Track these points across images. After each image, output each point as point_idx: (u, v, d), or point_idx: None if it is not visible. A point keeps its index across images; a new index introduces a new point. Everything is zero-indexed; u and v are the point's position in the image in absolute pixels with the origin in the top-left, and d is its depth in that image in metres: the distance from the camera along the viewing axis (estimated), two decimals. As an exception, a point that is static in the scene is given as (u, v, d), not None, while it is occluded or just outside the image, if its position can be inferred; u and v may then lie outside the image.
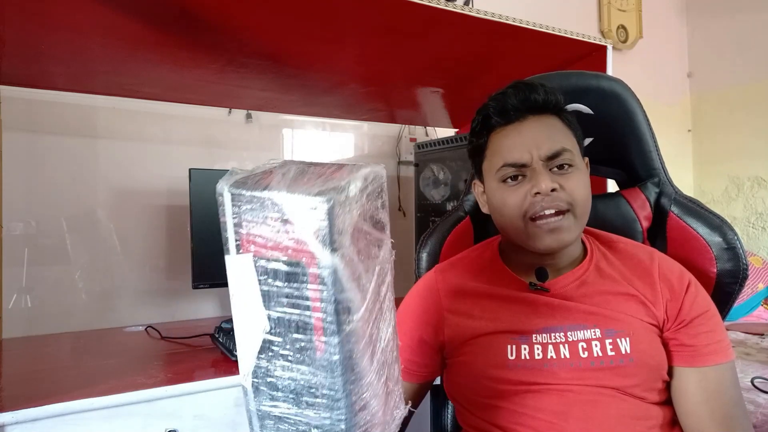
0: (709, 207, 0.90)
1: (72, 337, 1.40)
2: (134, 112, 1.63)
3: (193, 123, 1.72)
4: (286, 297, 0.47)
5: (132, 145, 1.63)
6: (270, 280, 0.48)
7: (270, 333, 0.49)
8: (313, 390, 0.48)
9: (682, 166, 2.95)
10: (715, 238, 0.86)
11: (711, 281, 0.86)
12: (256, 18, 1.13)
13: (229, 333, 1.21)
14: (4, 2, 0.98)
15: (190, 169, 1.42)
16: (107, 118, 1.60)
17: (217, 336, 1.24)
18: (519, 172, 0.77)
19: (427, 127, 2.16)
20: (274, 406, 0.52)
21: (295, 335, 0.48)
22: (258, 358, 0.51)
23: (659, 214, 0.94)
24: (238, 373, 1.06)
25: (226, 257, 0.50)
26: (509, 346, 0.75)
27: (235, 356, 1.08)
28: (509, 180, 0.78)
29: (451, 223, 1.01)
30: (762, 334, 1.79)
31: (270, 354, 0.50)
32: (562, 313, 0.76)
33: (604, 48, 1.46)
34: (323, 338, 0.46)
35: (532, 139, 0.76)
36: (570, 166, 0.76)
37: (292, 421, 0.51)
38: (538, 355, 0.74)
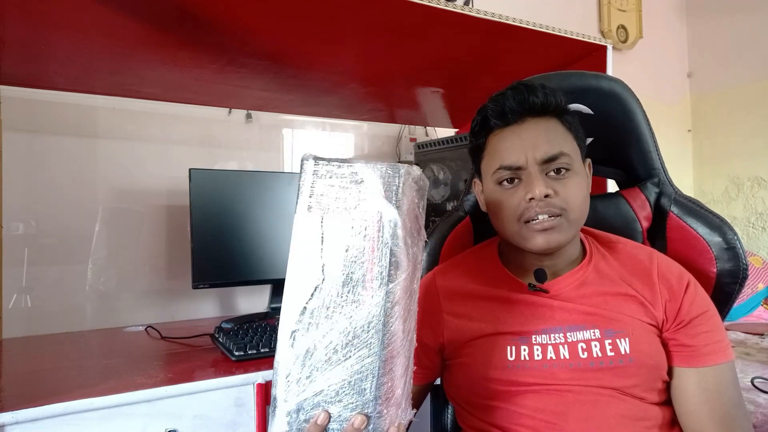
0: (709, 207, 0.90)
1: (72, 337, 1.40)
2: (134, 112, 1.63)
3: (193, 123, 1.72)
4: (346, 250, 0.54)
5: (132, 145, 1.63)
6: (333, 237, 0.54)
7: (321, 286, 0.54)
8: (353, 341, 0.53)
9: (682, 166, 2.95)
10: (715, 238, 0.86)
11: (711, 281, 0.86)
12: (256, 18, 1.13)
13: (229, 333, 1.21)
14: (4, 2, 0.98)
15: (190, 169, 1.42)
16: (107, 118, 1.60)
17: (217, 336, 1.24)
18: (515, 175, 0.77)
19: (427, 127, 2.16)
20: (307, 353, 0.55)
21: (346, 287, 0.53)
22: (301, 312, 0.55)
23: (659, 214, 0.94)
24: (237, 374, 1.07)
25: (296, 216, 0.56)
26: (509, 347, 0.75)
27: (235, 356, 1.09)
28: (505, 183, 0.78)
29: (451, 223, 1.01)
30: (762, 334, 1.79)
31: (318, 307, 0.54)
32: (562, 314, 0.76)
33: (604, 48, 1.46)
34: (374, 287, 0.52)
35: (529, 141, 0.76)
36: (567, 170, 0.76)
37: (325, 377, 0.54)
38: (538, 356, 0.74)
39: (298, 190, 0.56)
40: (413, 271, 0.55)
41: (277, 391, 0.55)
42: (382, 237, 0.52)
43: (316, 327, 0.54)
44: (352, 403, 0.53)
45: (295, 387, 0.54)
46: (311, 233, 0.55)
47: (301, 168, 0.57)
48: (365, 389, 0.52)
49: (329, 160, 0.56)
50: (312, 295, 0.54)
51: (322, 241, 0.54)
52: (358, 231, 0.53)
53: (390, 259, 0.52)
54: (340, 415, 0.53)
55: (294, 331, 0.54)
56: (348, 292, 0.53)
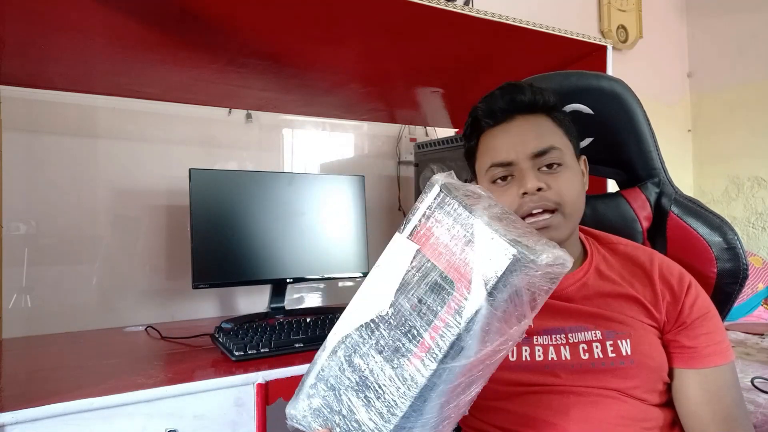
0: (709, 207, 0.90)
1: (72, 337, 1.40)
2: (134, 112, 1.63)
3: (193, 123, 1.72)
4: (419, 301, 0.49)
5: (132, 145, 1.63)
6: (417, 276, 0.50)
7: (383, 318, 0.50)
8: (379, 392, 0.49)
9: (682, 166, 2.95)
10: (715, 238, 0.86)
11: (711, 281, 0.86)
12: (257, 18, 1.13)
13: (229, 333, 1.21)
14: (4, 2, 0.98)
15: (190, 169, 1.42)
16: (107, 118, 1.60)
17: (217, 336, 1.24)
18: (507, 171, 0.77)
19: (427, 127, 2.16)
20: (337, 377, 0.52)
21: (401, 336, 0.49)
22: (357, 329, 0.52)
23: (659, 214, 0.94)
24: (237, 374, 1.07)
25: (397, 234, 0.53)
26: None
27: (235, 356, 1.08)
28: (499, 181, 0.78)
29: (451, 223, 1.00)
30: (762, 334, 1.79)
31: (369, 333, 0.51)
32: (563, 315, 0.76)
33: (604, 48, 1.46)
34: (423, 356, 0.47)
35: (518, 137, 0.76)
36: (559, 165, 0.76)
37: (342, 401, 0.52)
38: (539, 356, 0.74)
39: (415, 207, 0.52)
40: (490, 355, 0.48)
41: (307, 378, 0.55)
42: (456, 316, 0.46)
43: (360, 352, 0.51)
44: None
45: (322, 385, 0.53)
46: (402, 259, 0.51)
47: (428, 188, 0.52)
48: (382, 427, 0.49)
49: (458, 195, 0.50)
50: (372, 320, 0.51)
51: (405, 275, 0.50)
52: (440, 290, 0.48)
53: (454, 341, 0.46)
54: None
55: (341, 341, 0.52)
56: (400, 343, 0.49)
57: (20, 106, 1.46)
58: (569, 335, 0.74)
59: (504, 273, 0.45)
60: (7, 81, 1.38)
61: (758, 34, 2.67)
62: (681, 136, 2.97)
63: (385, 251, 0.52)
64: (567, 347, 0.73)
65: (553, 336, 0.74)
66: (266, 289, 1.57)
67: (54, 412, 0.86)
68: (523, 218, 0.75)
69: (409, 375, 0.47)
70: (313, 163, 1.96)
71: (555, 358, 0.73)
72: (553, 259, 0.47)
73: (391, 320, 0.50)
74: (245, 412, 1.01)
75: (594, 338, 0.73)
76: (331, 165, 1.99)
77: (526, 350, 0.74)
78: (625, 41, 2.68)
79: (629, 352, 0.71)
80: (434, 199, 0.51)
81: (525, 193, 0.74)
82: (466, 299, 0.46)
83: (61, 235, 1.52)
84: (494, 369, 0.51)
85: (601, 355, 0.72)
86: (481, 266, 0.46)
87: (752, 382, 1.27)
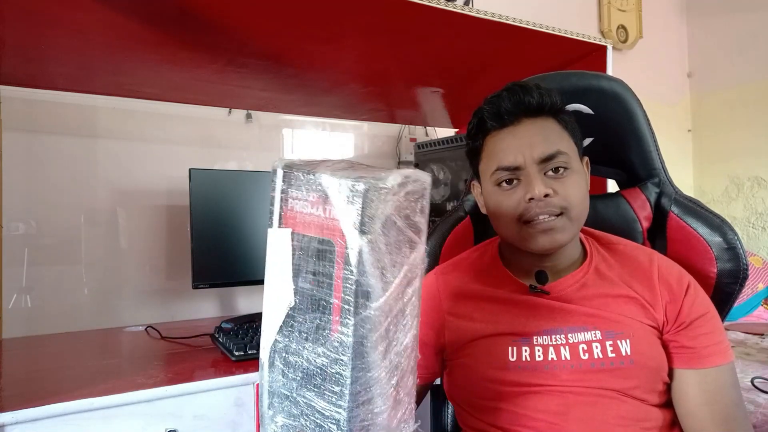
0: (709, 207, 0.89)
1: (72, 337, 1.40)
2: (134, 112, 1.63)
3: (193, 123, 1.72)
4: (313, 274, 0.50)
5: (132, 145, 1.63)
6: (302, 255, 0.51)
7: (294, 308, 0.51)
8: (323, 373, 0.49)
9: (682, 166, 2.95)
10: (715, 238, 0.86)
11: (711, 281, 0.86)
12: (257, 18, 1.13)
13: (229, 333, 1.21)
14: (4, 2, 0.98)
15: (190, 169, 1.42)
16: (107, 118, 1.60)
17: (217, 336, 1.24)
18: (513, 175, 0.76)
19: (427, 127, 2.16)
20: (284, 384, 0.53)
21: (315, 313, 0.49)
22: (279, 332, 0.52)
23: (659, 214, 0.94)
24: (237, 374, 1.07)
25: (269, 230, 0.53)
26: (510, 348, 0.75)
27: (235, 356, 1.09)
28: (504, 184, 0.77)
29: (451, 223, 1.01)
30: (762, 334, 1.79)
31: (290, 329, 0.52)
32: (563, 316, 0.76)
33: (604, 48, 1.46)
34: (339, 319, 0.47)
35: (526, 141, 0.76)
36: (566, 169, 0.76)
37: (298, 402, 0.52)
38: (539, 356, 0.74)
39: (271, 197, 0.53)
40: (400, 288, 0.49)
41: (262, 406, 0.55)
42: (347, 267, 0.47)
43: (291, 350, 0.51)
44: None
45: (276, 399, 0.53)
46: (283, 248, 0.51)
47: (273, 175, 0.53)
48: (339, 421, 0.48)
49: (300, 167, 0.51)
50: (287, 316, 0.51)
51: (293, 260, 0.51)
52: (324, 254, 0.49)
53: (356, 289, 0.46)
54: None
55: (272, 351, 0.53)
56: (318, 320, 0.49)
57: (20, 106, 1.47)
58: (569, 336, 0.74)
59: (363, 207, 0.46)
60: (7, 81, 1.38)
61: (758, 34, 2.67)
62: (681, 136, 2.97)
63: (267, 252, 0.53)
64: (567, 347, 0.73)
65: (553, 336, 0.74)
66: (266, 289, 1.57)
67: (54, 412, 0.86)
68: (527, 222, 0.75)
69: (338, 342, 0.48)
70: (313, 163, 1.96)
71: (555, 359, 0.73)
72: (403, 178, 0.48)
73: (301, 306, 0.51)
74: (245, 412, 1.01)
75: (593, 338, 0.73)
76: (331, 165, 1.99)
77: (525, 350, 0.74)
78: (625, 41, 2.68)
79: (629, 353, 0.71)
80: (282, 180, 0.52)
81: (532, 199, 0.74)
82: (346, 248, 0.47)
83: (61, 235, 1.52)
84: (419, 302, 0.52)
85: (600, 356, 0.72)
86: (344, 213, 0.47)
87: (752, 382, 1.27)
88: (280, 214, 0.52)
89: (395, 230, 0.48)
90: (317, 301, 0.49)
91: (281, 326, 0.52)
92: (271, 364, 0.53)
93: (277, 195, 0.53)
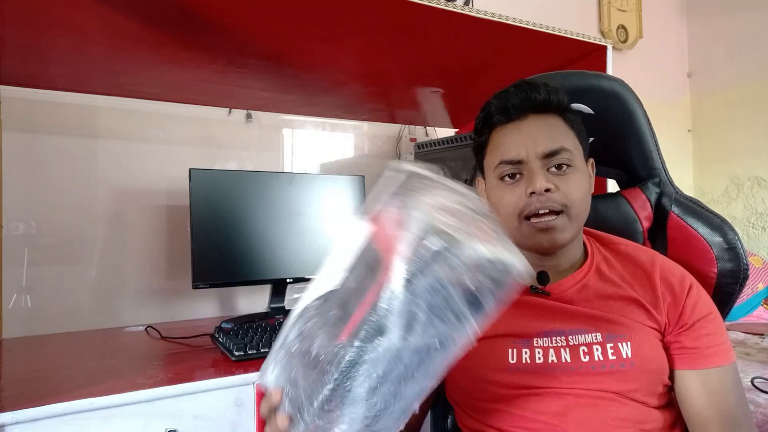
0: (709, 207, 0.89)
1: (72, 337, 1.40)
2: (134, 112, 1.63)
3: (193, 123, 1.72)
4: (358, 279, 0.51)
5: (132, 145, 1.63)
6: (362, 256, 0.52)
7: (333, 292, 0.52)
8: (315, 362, 0.50)
9: (682, 166, 2.95)
10: (715, 238, 0.86)
11: (711, 281, 0.85)
12: (257, 18, 1.13)
13: (229, 333, 1.21)
14: (4, 2, 0.98)
15: (190, 169, 1.42)
16: (107, 118, 1.60)
17: (217, 336, 1.24)
18: (516, 170, 0.77)
19: (427, 127, 2.16)
20: (293, 345, 0.54)
21: (340, 311, 0.50)
22: (312, 304, 0.54)
23: (660, 214, 0.94)
24: (237, 374, 1.07)
25: (358, 218, 0.54)
26: (510, 350, 0.75)
27: (235, 356, 1.09)
28: (507, 178, 0.78)
29: (452, 223, 1.00)
30: (762, 334, 1.79)
31: (319, 307, 0.53)
32: (564, 317, 0.75)
33: (604, 48, 1.46)
34: (350, 331, 0.48)
35: (530, 136, 0.76)
36: (569, 166, 0.76)
37: (291, 367, 0.53)
38: (539, 358, 0.73)
39: (376, 194, 0.52)
40: (416, 347, 0.47)
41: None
42: (378, 297, 0.46)
43: (309, 323, 0.53)
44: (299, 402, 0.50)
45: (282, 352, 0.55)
46: (357, 240, 0.52)
47: (392, 174, 0.52)
48: (313, 399, 0.49)
49: (421, 180, 0.50)
50: (325, 293, 0.53)
51: (358, 255, 0.51)
52: (373, 270, 0.48)
53: (372, 320, 0.45)
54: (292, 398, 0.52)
55: (301, 313, 0.55)
56: (338, 318, 0.49)
57: (20, 106, 1.46)
58: (569, 337, 0.74)
59: (422, 264, 0.44)
60: (7, 81, 1.38)
61: (758, 34, 2.67)
62: (681, 136, 2.97)
63: (343, 233, 0.55)
64: (567, 349, 0.73)
65: (553, 338, 0.74)
66: (266, 289, 1.57)
67: (54, 412, 0.86)
68: (529, 218, 0.75)
69: (337, 351, 0.47)
70: (313, 163, 1.96)
71: (555, 361, 0.73)
72: (481, 258, 0.45)
73: (337, 295, 0.52)
74: (245, 412, 1.01)
75: (594, 341, 0.73)
76: (331, 165, 1.99)
77: (525, 352, 0.74)
78: (625, 41, 2.68)
79: (630, 355, 0.71)
80: (395, 184, 0.52)
81: (533, 193, 0.74)
82: (387, 281, 0.46)
83: (61, 235, 1.52)
84: (437, 369, 0.50)
85: (601, 358, 0.71)
86: (405, 251, 0.45)
87: (752, 382, 1.27)
88: (373, 210, 0.52)
89: (445, 295, 0.46)
90: (347, 302, 0.50)
91: (315, 300, 0.54)
92: (293, 324, 0.55)
93: (382, 193, 0.52)
